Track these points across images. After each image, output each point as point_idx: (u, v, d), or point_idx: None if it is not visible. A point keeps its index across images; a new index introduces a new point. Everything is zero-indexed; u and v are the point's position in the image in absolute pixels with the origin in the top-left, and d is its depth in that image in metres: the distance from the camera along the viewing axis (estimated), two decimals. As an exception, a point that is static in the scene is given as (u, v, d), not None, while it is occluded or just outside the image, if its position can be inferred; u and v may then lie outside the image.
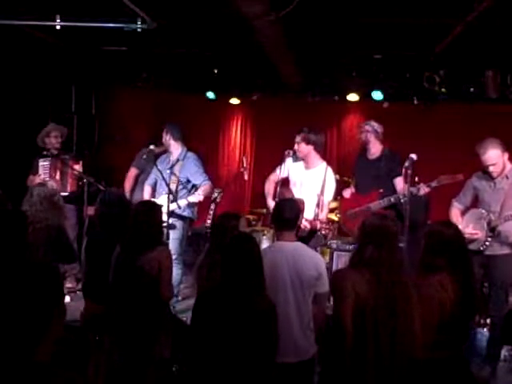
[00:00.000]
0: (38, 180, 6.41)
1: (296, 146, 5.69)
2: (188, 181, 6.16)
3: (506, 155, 4.84)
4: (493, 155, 4.78)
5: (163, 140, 6.30)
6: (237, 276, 3.15)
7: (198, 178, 6.16)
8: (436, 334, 3.18)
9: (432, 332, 3.17)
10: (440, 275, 3.25)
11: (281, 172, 5.75)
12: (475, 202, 5.12)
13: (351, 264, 3.28)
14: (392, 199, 5.68)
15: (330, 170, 5.68)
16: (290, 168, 5.85)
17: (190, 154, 6.30)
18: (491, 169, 4.82)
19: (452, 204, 5.22)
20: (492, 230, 4.79)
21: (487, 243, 4.79)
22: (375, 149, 6.02)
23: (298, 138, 5.67)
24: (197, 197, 5.96)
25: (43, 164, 6.63)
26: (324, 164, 5.70)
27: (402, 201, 5.51)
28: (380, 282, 3.10)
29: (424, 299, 3.18)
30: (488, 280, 4.98)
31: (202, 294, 3.36)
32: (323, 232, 5.35)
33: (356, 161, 6.45)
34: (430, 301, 3.19)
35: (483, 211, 4.89)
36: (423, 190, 5.42)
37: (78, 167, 6.67)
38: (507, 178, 4.83)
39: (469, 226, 4.84)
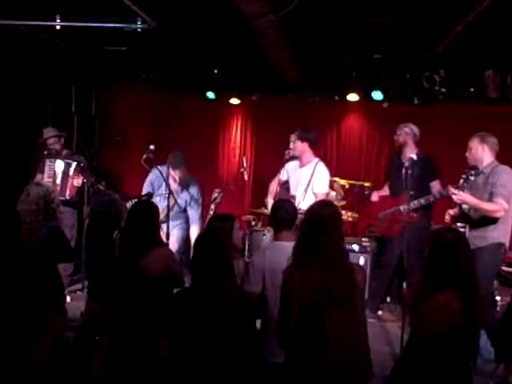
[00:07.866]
0: (41, 178, 6.44)
1: (291, 145, 6.03)
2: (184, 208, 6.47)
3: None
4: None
5: (175, 177, 6.28)
6: (204, 274, 3.14)
7: (194, 207, 6.46)
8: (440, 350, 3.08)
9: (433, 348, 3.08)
10: (447, 294, 3.04)
11: (281, 174, 6.07)
12: None
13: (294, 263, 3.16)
14: (422, 201, 5.67)
15: (320, 164, 6.02)
16: (288, 169, 6.21)
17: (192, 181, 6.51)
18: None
19: (448, 212, 5.26)
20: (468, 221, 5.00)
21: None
22: (411, 152, 5.85)
23: (292, 138, 6.03)
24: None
25: (49, 164, 6.65)
26: (316, 159, 6.06)
27: (431, 201, 5.68)
28: (313, 283, 2.98)
29: (426, 323, 3.08)
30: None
31: (175, 295, 3.36)
32: None
33: (389, 163, 6.48)
34: (434, 325, 3.04)
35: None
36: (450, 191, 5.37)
37: (80, 180, 6.53)
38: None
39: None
